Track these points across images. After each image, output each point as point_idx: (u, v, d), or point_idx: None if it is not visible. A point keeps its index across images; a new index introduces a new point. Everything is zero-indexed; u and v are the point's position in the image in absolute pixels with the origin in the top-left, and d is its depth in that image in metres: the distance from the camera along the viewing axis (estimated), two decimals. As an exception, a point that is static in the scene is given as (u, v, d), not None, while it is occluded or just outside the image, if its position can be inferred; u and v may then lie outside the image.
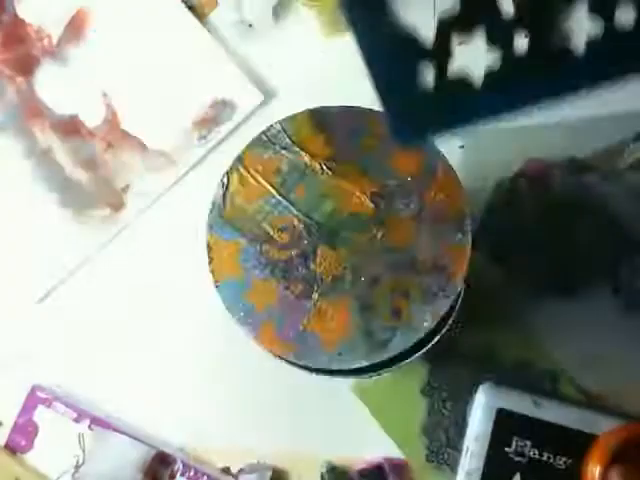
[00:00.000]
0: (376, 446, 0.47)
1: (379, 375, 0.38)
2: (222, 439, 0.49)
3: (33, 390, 0.50)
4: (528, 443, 0.43)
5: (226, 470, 0.48)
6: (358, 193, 0.34)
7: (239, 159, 0.35)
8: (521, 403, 0.44)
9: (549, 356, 0.46)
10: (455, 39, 0.24)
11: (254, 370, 0.49)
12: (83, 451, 0.48)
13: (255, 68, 0.49)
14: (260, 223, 0.35)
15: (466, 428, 0.45)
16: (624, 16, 0.24)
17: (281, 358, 0.34)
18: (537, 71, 0.25)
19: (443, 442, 0.46)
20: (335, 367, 0.33)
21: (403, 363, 0.35)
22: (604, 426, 0.43)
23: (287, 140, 0.35)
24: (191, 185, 0.50)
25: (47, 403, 0.49)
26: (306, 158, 0.35)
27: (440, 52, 0.24)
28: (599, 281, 0.46)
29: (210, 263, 0.35)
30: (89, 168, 0.50)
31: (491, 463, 0.43)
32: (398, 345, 0.32)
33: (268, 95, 0.49)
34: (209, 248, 0.35)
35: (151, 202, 0.50)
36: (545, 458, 0.43)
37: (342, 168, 0.34)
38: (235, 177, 0.36)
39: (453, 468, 0.45)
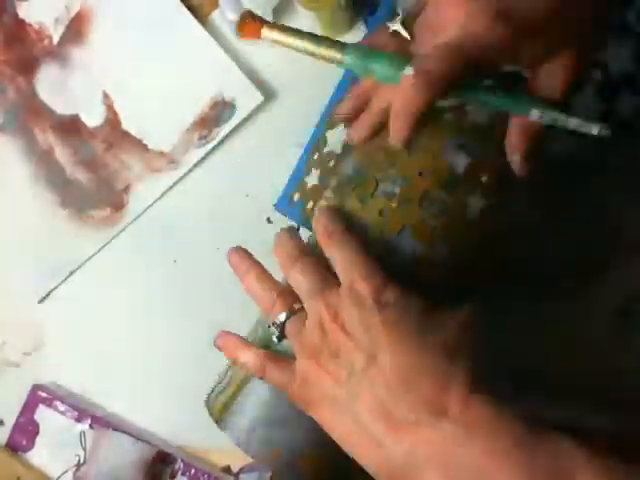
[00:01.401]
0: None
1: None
2: (223, 438, 0.49)
3: (34, 389, 0.50)
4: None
5: (226, 469, 0.49)
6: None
7: None
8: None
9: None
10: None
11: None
12: (84, 450, 0.49)
13: (255, 69, 0.49)
14: None
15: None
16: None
17: None
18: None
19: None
20: None
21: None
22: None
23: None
24: (191, 185, 0.50)
25: (48, 402, 0.49)
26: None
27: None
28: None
29: None
30: (90, 168, 0.50)
31: None
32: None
33: (268, 95, 0.49)
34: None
35: (152, 202, 0.50)
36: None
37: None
38: None
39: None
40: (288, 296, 0.35)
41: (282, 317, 0.35)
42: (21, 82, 0.51)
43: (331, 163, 0.45)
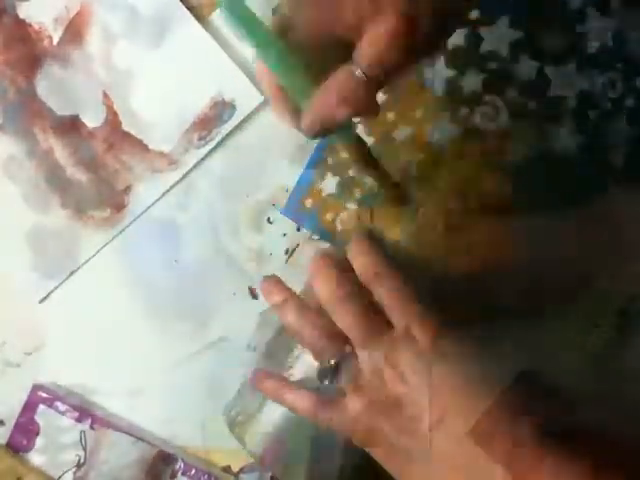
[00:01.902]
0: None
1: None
2: (223, 438, 0.49)
3: (34, 389, 0.50)
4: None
5: (226, 469, 0.49)
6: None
7: None
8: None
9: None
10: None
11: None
12: (84, 450, 0.49)
13: (255, 69, 0.49)
14: None
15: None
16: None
17: None
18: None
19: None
20: None
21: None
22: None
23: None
24: (192, 185, 0.50)
25: (48, 402, 0.49)
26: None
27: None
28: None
29: None
30: (90, 169, 0.50)
31: None
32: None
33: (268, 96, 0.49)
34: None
35: (152, 203, 0.50)
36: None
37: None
38: None
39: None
40: (337, 338, 0.34)
41: (332, 361, 0.34)
42: (21, 82, 0.51)
43: (350, 172, 0.44)
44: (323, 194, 0.45)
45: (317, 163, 0.47)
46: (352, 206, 0.40)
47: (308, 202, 0.46)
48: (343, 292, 0.34)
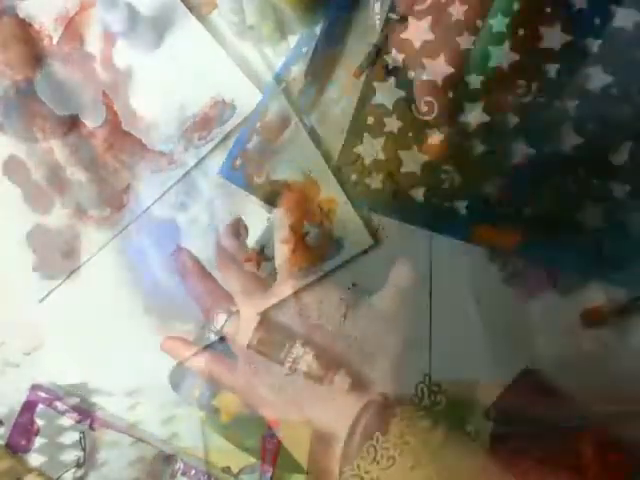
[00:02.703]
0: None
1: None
2: (223, 439, 0.49)
3: (34, 389, 0.50)
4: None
5: (226, 470, 0.49)
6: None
7: None
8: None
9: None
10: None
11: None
12: (84, 450, 0.49)
13: (255, 69, 0.49)
14: None
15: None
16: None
17: None
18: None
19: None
20: None
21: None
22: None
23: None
24: (191, 185, 0.50)
25: (48, 402, 0.49)
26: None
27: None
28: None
29: None
30: (90, 169, 0.50)
31: None
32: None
33: (268, 95, 0.49)
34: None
35: (152, 202, 0.50)
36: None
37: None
38: None
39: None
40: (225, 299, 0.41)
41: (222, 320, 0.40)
42: (21, 82, 0.51)
43: (272, 133, 0.46)
44: (249, 153, 0.48)
45: (250, 129, 0.49)
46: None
47: (238, 161, 0.48)
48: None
